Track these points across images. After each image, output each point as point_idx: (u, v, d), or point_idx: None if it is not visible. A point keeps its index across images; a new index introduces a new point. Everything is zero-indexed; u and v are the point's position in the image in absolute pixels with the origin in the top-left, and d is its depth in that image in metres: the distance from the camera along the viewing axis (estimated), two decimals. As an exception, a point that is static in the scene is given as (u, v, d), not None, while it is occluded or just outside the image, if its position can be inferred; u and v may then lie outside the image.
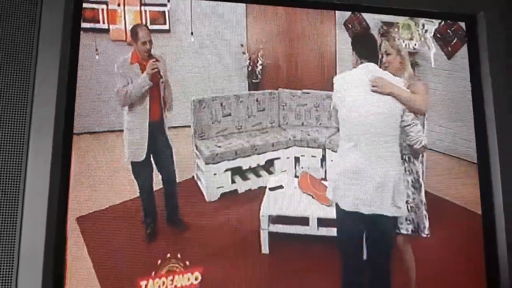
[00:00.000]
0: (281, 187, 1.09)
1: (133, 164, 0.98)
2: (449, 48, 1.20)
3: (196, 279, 0.96)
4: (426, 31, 1.21)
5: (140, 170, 0.99)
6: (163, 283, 0.93)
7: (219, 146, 1.10)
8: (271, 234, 1.02)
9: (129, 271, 0.90)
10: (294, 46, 1.08)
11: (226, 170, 1.08)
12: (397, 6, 1.16)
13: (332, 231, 1.04)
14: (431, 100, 1.13)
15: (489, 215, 1.12)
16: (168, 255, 0.95)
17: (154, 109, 1.02)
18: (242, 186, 1.09)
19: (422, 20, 1.20)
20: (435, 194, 1.12)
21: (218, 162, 1.08)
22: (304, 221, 1.07)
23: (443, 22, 1.21)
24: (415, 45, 1.20)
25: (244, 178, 1.11)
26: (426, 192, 1.08)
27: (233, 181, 1.09)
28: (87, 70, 0.92)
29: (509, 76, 1.17)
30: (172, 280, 0.94)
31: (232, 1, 1.03)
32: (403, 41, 1.19)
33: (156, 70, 0.99)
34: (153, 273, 0.93)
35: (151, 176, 1.00)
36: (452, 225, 1.11)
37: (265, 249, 1.01)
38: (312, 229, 1.06)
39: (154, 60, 0.98)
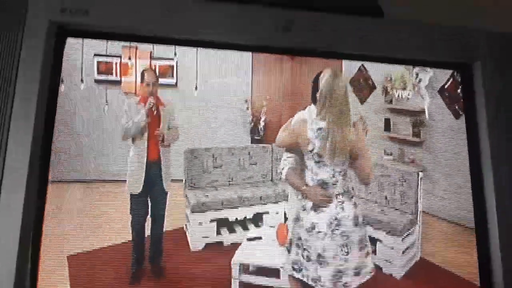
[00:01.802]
0: (259, 238, 1.06)
1: (132, 197, 1.02)
2: (457, 107, 1.17)
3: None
4: (420, 80, 1.20)
5: (137, 206, 1.02)
6: None
7: (207, 196, 1.11)
8: (243, 284, 0.99)
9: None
10: (297, 103, 1.10)
11: (212, 221, 1.09)
12: (392, 55, 1.15)
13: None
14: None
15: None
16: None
17: (152, 148, 1.08)
18: (228, 238, 1.07)
19: (416, 69, 1.20)
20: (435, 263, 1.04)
21: (204, 211, 1.09)
22: (276, 273, 1.04)
23: (450, 81, 1.19)
24: (408, 94, 1.19)
25: (231, 230, 1.10)
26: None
27: (218, 233, 1.08)
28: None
29: (508, 128, 1.12)
30: None
31: (233, 49, 1.07)
32: (396, 91, 1.18)
33: (151, 105, 1.05)
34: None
35: (145, 217, 1.03)
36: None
37: None
38: (283, 283, 1.02)
39: (152, 97, 1.05)
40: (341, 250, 0.98)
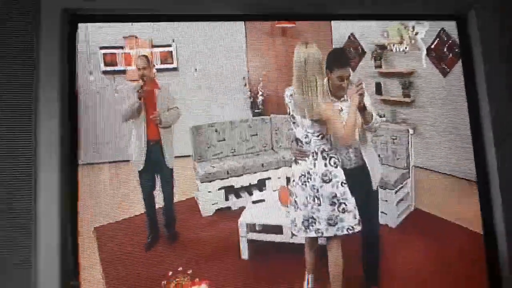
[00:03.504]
0: (263, 200, 1.19)
1: (139, 173, 1.14)
2: (444, 65, 1.19)
3: (204, 291, 1.07)
4: (416, 33, 1.21)
5: (144, 181, 1.13)
6: (176, 295, 1.05)
7: (213, 167, 1.22)
8: (252, 241, 1.15)
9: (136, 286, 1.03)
10: (291, 75, 1.14)
11: (220, 188, 1.20)
12: (385, 11, 1.17)
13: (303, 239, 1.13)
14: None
15: (491, 233, 1.10)
16: (170, 273, 1.06)
17: (152, 128, 1.18)
18: (235, 203, 1.20)
19: (412, 23, 1.21)
20: (430, 212, 1.12)
21: (212, 181, 1.20)
22: (279, 229, 1.18)
23: (437, 40, 1.20)
24: (405, 47, 1.21)
25: (237, 196, 1.22)
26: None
27: (226, 199, 1.20)
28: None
29: (506, 77, 1.13)
30: (182, 293, 1.06)
31: (227, 20, 1.12)
32: (393, 45, 1.21)
33: (138, 89, 1.14)
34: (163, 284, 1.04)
35: (152, 190, 1.14)
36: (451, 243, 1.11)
37: (244, 255, 1.13)
38: (286, 237, 1.16)
39: (141, 81, 1.13)
40: (313, 201, 1.10)
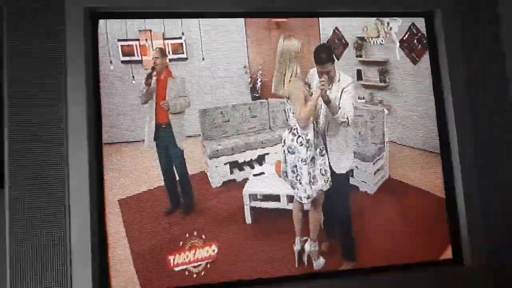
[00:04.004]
0: (263, 173, 1.38)
1: (157, 150, 1.28)
2: (414, 55, 1.40)
3: (213, 251, 1.24)
4: (391, 28, 1.41)
5: (160, 158, 1.28)
6: (187, 256, 1.22)
7: (219, 145, 1.39)
8: (254, 208, 1.35)
9: (159, 249, 1.20)
10: None
11: (225, 164, 1.38)
12: (360, 9, 1.37)
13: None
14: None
15: (452, 197, 1.34)
16: (187, 234, 1.24)
17: (162, 113, 1.31)
18: (239, 176, 1.37)
19: (387, 19, 1.41)
20: (401, 180, 1.37)
21: (218, 157, 1.37)
22: (277, 198, 1.39)
23: (408, 33, 1.40)
24: (382, 41, 1.41)
25: (241, 169, 1.40)
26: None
27: (231, 172, 1.38)
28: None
29: (466, 68, 1.35)
30: (194, 254, 1.23)
31: (228, 17, 1.31)
32: (371, 39, 1.41)
33: (146, 76, 1.27)
34: (179, 249, 1.21)
35: (168, 167, 1.28)
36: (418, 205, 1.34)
37: (248, 220, 1.32)
38: (282, 204, 1.37)
39: (153, 70, 1.27)
40: (294, 172, 1.34)
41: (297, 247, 1.31)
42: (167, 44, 1.31)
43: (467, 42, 1.36)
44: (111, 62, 1.25)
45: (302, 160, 1.34)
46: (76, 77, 1.16)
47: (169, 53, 1.31)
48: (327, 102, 1.31)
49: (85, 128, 1.15)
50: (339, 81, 1.35)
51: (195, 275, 1.22)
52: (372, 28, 1.40)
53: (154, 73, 1.28)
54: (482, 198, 1.30)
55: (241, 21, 1.32)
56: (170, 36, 1.30)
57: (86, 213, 1.13)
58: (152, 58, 1.27)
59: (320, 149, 1.36)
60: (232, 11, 1.32)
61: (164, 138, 1.30)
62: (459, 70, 1.34)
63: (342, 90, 1.34)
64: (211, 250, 1.23)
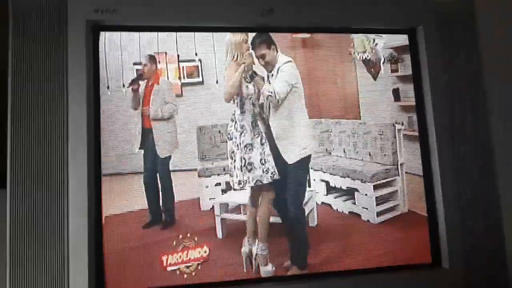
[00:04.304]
0: (244, 189, 1.40)
1: (143, 156, 1.31)
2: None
3: (205, 252, 1.29)
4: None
5: (145, 164, 1.30)
6: (180, 256, 1.27)
7: (212, 164, 1.40)
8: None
9: (153, 252, 1.24)
10: None
11: (217, 184, 1.38)
12: (344, 25, 1.46)
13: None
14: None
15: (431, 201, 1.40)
16: (181, 236, 1.28)
17: (145, 119, 1.35)
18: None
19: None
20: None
21: (209, 176, 1.38)
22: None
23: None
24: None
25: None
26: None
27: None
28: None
29: (446, 79, 1.43)
30: (186, 254, 1.28)
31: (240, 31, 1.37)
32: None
33: (130, 83, 1.31)
34: (171, 250, 1.25)
35: (152, 176, 1.31)
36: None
37: (219, 234, 1.34)
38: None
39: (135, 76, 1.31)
40: (231, 158, 1.38)
41: (244, 248, 1.32)
42: (182, 67, 1.34)
43: (449, 57, 1.44)
44: (123, 85, 1.29)
45: (236, 145, 1.38)
46: (77, 90, 1.21)
47: (184, 77, 1.34)
48: (251, 76, 1.36)
49: (85, 130, 1.20)
50: (279, 59, 1.40)
51: (185, 275, 1.27)
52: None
53: (140, 80, 1.31)
54: (460, 201, 1.37)
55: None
56: (185, 58, 1.33)
57: (84, 213, 1.17)
58: (142, 65, 1.31)
59: (261, 137, 1.39)
60: (235, 26, 1.38)
61: (148, 143, 1.34)
62: (440, 83, 1.42)
63: (278, 68, 1.40)
64: (203, 251, 1.29)
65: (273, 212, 1.41)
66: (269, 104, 1.41)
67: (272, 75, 1.42)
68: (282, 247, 1.34)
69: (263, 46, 1.40)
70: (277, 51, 1.41)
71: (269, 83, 1.41)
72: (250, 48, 1.39)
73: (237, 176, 1.36)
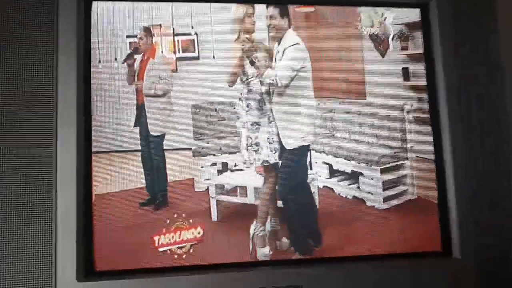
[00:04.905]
0: (241, 169, 1.34)
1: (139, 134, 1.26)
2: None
3: (199, 233, 1.24)
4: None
5: (141, 141, 1.26)
6: (172, 237, 1.22)
7: (207, 143, 1.35)
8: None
9: (144, 232, 1.19)
10: None
11: (212, 164, 1.33)
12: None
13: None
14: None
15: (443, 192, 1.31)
16: (175, 215, 1.23)
17: (139, 94, 1.30)
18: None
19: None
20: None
21: (204, 156, 1.32)
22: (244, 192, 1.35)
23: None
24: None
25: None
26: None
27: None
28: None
29: (458, 57, 1.34)
30: (179, 235, 1.23)
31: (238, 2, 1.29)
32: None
33: (126, 57, 1.25)
34: (164, 230, 1.20)
35: (147, 151, 1.26)
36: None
37: (214, 216, 1.28)
38: (249, 200, 1.34)
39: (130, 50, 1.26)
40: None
41: (251, 230, 1.27)
42: (177, 40, 1.28)
43: (462, 31, 1.34)
44: (116, 59, 1.24)
45: (242, 124, 1.32)
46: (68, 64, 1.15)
47: (179, 51, 1.28)
48: (252, 62, 1.30)
49: (75, 108, 1.15)
50: (285, 38, 1.33)
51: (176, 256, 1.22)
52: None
53: (136, 54, 1.26)
54: (472, 193, 1.29)
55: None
56: (180, 32, 1.27)
57: (72, 190, 1.13)
58: (137, 39, 1.25)
59: (268, 116, 1.33)
60: None
61: (141, 119, 1.29)
62: (452, 59, 1.33)
63: (284, 50, 1.32)
64: (196, 232, 1.23)
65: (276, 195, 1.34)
66: (273, 91, 1.35)
67: (278, 52, 1.33)
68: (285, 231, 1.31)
69: (277, 10, 1.32)
70: (289, 26, 1.33)
71: (271, 68, 1.33)
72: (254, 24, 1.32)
73: (243, 156, 1.31)
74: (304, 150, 1.33)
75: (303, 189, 1.32)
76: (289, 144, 1.33)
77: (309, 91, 1.33)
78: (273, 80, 1.29)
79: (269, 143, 1.31)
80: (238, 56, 1.28)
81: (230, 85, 1.30)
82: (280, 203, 1.35)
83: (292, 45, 1.31)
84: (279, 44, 1.33)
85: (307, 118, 1.33)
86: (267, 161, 1.32)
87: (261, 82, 1.31)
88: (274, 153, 1.31)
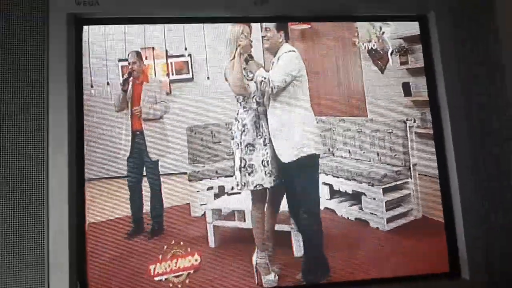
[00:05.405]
0: (238, 193, 1.29)
1: (127, 160, 1.22)
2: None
3: (196, 260, 1.20)
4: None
5: (130, 168, 1.22)
6: (169, 265, 1.18)
7: (203, 166, 1.31)
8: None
9: (140, 260, 1.15)
10: None
11: (209, 188, 1.28)
12: (351, 13, 1.33)
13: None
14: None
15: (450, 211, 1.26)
16: (173, 241, 1.19)
17: (135, 120, 1.27)
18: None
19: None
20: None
21: (200, 180, 1.28)
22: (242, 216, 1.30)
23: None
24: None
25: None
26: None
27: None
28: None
29: (460, 70, 1.29)
30: (176, 263, 1.19)
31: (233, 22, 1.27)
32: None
33: (121, 83, 1.23)
34: (160, 257, 1.17)
35: (138, 178, 1.22)
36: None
37: (211, 243, 1.24)
38: (248, 225, 1.28)
39: (126, 75, 1.24)
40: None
41: (253, 258, 1.22)
42: (170, 62, 1.26)
43: (461, 43, 1.30)
44: (108, 83, 1.21)
45: (237, 144, 1.28)
46: (58, 87, 1.13)
47: (172, 73, 1.26)
48: (246, 60, 1.26)
49: (66, 130, 1.13)
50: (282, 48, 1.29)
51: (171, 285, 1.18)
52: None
53: (131, 78, 1.24)
54: (480, 206, 1.24)
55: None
56: (174, 53, 1.25)
57: (64, 221, 1.10)
58: (129, 63, 1.23)
59: (264, 138, 1.28)
60: (231, 16, 1.28)
61: (138, 146, 1.26)
62: (453, 71, 1.28)
63: (279, 57, 1.28)
64: (193, 259, 1.19)
65: (275, 219, 1.29)
66: (268, 99, 1.30)
67: (273, 62, 1.30)
68: (290, 258, 1.25)
69: (273, 24, 1.29)
70: (285, 40, 1.30)
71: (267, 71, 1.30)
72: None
73: (235, 178, 1.26)
74: (303, 161, 1.26)
75: (312, 205, 1.25)
76: (285, 158, 1.27)
77: (306, 101, 1.28)
78: (264, 78, 1.25)
79: (263, 166, 1.25)
80: (237, 56, 1.26)
81: (237, 94, 1.27)
82: (283, 227, 1.29)
83: (288, 51, 1.28)
84: (274, 56, 1.29)
85: (304, 128, 1.27)
86: (261, 184, 1.26)
87: (253, 81, 1.27)
88: (269, 176, 1.26)
